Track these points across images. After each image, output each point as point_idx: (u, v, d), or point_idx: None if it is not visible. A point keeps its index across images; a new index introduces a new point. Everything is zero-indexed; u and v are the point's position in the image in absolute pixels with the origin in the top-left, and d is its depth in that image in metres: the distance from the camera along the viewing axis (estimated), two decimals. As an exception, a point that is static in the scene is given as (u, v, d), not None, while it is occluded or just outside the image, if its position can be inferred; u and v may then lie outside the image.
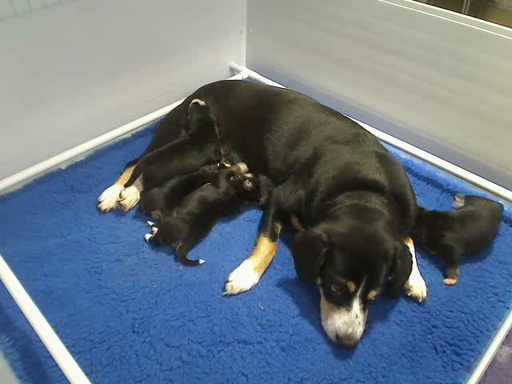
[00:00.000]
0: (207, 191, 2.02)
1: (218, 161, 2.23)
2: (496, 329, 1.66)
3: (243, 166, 2.19)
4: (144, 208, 2.02)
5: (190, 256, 1.89)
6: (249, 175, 2.14)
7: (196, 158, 2.15)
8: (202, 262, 1.84)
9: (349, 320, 1.53)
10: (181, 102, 2.55)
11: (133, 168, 2.12)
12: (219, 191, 2.02)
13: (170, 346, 1.57)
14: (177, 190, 2.01)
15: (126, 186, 2.09)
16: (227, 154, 2.28)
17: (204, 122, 2.26)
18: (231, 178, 2.10)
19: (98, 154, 2.41)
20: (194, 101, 2.34)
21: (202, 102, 2.32)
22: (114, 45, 2.33)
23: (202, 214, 1.93)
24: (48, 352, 1.41)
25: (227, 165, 2.22)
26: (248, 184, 2.06)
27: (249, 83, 2.61)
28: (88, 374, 1.37)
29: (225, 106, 2.35)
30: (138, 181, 2.08)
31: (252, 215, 2.10)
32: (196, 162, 2.14)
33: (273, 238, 1.89)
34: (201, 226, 1.93)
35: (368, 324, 1.63)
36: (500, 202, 2.12)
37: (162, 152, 2.11)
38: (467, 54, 2.11)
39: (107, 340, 1.59)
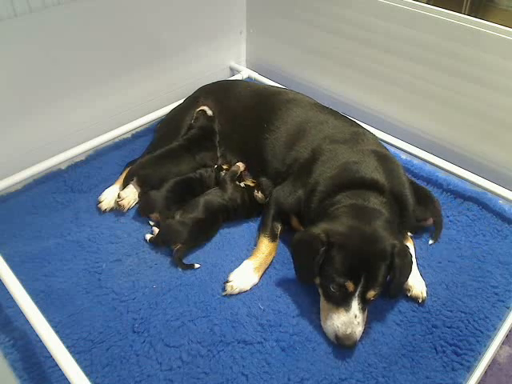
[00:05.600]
0: (213, 196, 2.01)
1: (215, 164, 2.22)
2: (496, 329, 1.66)
3: (241, 165, 2.17)
4: (143, 211, 2.02)
5: (191, 256, 1.89)
6: (250, 183, 2.13)
7: (190, 165, 2.15)
8: (197, 266, 1.84)
9: (348, 320, 1.53)
10: (181, 102, 2.55)
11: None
12: (225, 196, 2.00)
13: (170, 346, 1.57)
14: (175, 192, 2.01)
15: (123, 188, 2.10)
16: (224, 155, 2.28)
17: (206, 132, 2.25)
18: (239, 184, 2.10)
19: (98, 154, 2.41)
20: (201, 108, 2.32)
21: (209, 112, 2.31)
22: (113, 45, 2.33)
23: (205, 218, 1.92)
24: (48, 352, 1.41)
25: (224, 167, 2.22)
26: (258, 194, 2.04)
27: (248, 83, 2.61)
28: (88, 374, 1.37)
29: (224, 106, 2.35)
30: (135, 183, 2.08)
31: (252, 215, 2.10)
32: (190, 168, 2.14)
33: (273, 238, 1.89)
34: (202, 230, 1.92)
35: (368, 324, 1.63)
36: (500, 201, 2.13)
37: (156, 156, 2.12)
38: (467, 54, 2.11)
39: (107, 340, 1.59)
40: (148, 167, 2.08)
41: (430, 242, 1.97)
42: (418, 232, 1.99)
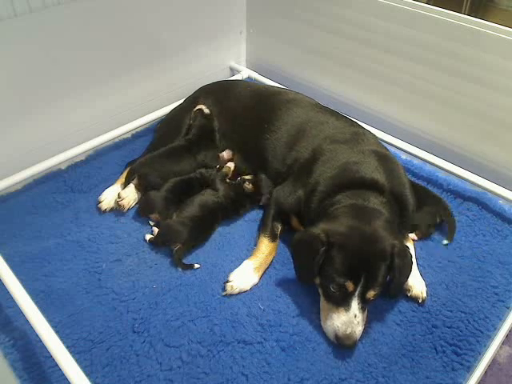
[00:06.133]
0: (207, 195, 2.01)
1: (216, 163, 2.23)
2: (496, 329, 1.66)
3: (231, 165, 2.18)
4: (142, 211, 2.02)
5: (191, 256, 1.89)
6: (248, 177, 2.14)
7: (191, 165, 2.15)
8: (197, 266, 1.84)
9: (347, 320, 1.53)
10: (181, 102, 2.55)
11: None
12: (219, 195, 2.01)
13: (170, 346, 1.57)
14: (175, 193, 2.01)
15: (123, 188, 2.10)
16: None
17: (205, 131, 2.25)
18: (230, 181, 2.10)
19: (98, 154, 2.40)
20: (198, 107, 2.32)
21: (206, 110, 2.31)
22: (113, 45, 2.33)
23: (202, 218, 1.92)
24: (48, 352, 1.41)
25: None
26: (248, 186, 2.05)
27: (248, 83, 2.61)
28: (88, 374, 1.37)
29: (224, 106, 2.35)
30: (136, 182, 2.08)
31: (252, 215, 2.09)
32: (191, 168, 2.14)
33: (273, 238, 1.89)
34: (201, 229, 1.92)
35: (368, 324, 1.64)
36: (500, 201, 2.13)
37: (156, 156, 2.13)
38: (467, 54, 2.11)
39: (107, 340, 1.59)
40: (149, 166, 2.08)
41: (445, 241, 1.96)
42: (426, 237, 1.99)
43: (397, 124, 2.53)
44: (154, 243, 1.91)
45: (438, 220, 1.99)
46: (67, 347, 1.41)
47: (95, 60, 2.29)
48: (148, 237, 1.93)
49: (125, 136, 2.51)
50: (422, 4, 2.18)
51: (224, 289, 1.75)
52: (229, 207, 2.01)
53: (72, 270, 1.82)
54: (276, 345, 1.59)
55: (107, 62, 2.35)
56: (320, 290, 1.66)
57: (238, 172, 2.20)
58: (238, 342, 1.59)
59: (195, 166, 2.16)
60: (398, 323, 1.68)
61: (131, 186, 2.08)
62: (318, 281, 1.63)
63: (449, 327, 1.66)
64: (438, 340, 1.62)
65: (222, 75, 2.99)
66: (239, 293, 1.75)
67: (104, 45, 2.29)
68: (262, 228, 1.94)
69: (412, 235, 1.95)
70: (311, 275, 1.62)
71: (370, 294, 1.54)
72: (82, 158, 2.36)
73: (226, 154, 2.22)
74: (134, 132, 2.55)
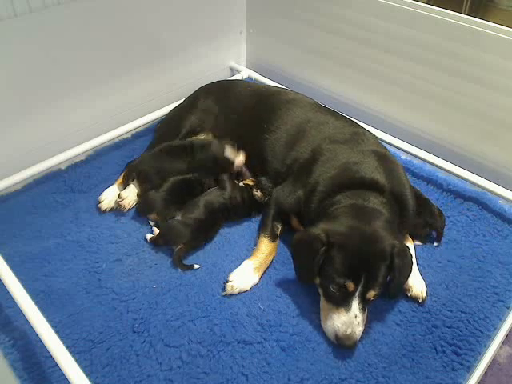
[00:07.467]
0: (213, 196, 2.00)
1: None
2: (496, 329, 1.66)
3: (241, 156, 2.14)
4: (142, 211, 2.02)
5: (191, 256, 1.89)
6: (250, 182, 2.12)
7: (190, 163, 2.13)
8: (196, 266, 1.83)
9: (348, 320, 1.53)
10: (181, 102, 2.55)
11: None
12: (225, 196, 2.00)
13: (170, 346, 1.57)
14: (174, 193, 2.00)
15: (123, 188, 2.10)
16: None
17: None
18: (237, 182, 2.10)
19: (98, 154, 2.41)
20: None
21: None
22: (113, 45, 2.33)
23: (206, 219, 1.92)
24: (48, 352, 1.41)
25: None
26: (258, 193, 2.04)
27: (248, 83, 2.61)
28: (88, 374, 1.37)
29: (224, 106, 2.35)
30: (136, 182, 2.08)
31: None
32: (189, 168, 2.12)
33: (273, 238, 1.88)
34: (203, 230, 1.92)
35: (368, 324, 1.63)
36: (500, 201, 2.13)
37: (154, 154, 2.12)
38: (467, 54, 2.11)
39: (107, 340, 1.59)
40: (147, 163, 2.08)
41: (435, 244, 1.97)
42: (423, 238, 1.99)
43: (397, 124, 2.53)
44: (154, 243, 1.91)
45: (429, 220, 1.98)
46: (67, 347, 1.41)
47: (95, 60, 2.29)
48: (149, 236, 1.93)
49: (125, 136, 2.51)
50: (422, 4, 2.18)
51: (224, 289, 1.75)
52: (232, 209, 2.00)
53: (72, 270, 1.82)
54: (276, 345, 1.59)
55: (107, 61, 2.35)
56: (320, 290, 1.66)
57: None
58: (238, 342, 1.59)
59: (195, 165, 2.14)
60: (398, 323, 1.68)
61: (131, 186, 2.08)
62: (318, 281, 1.63)
63: (449, 327, 1.66)
64: (438, 340, 1.62)
65: (222, 75, 2.99)
66: (239, 293, 1.75)
67: (104, 45, 2.29)
68: (262, 228, 1.93)
69: (417, 242, 1.95)
70: (311, 275, 1.62)
71: (371, 294, 1.54)
72: (82, 157, 2.36)
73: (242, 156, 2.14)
74: (134, 132, 2.55)
